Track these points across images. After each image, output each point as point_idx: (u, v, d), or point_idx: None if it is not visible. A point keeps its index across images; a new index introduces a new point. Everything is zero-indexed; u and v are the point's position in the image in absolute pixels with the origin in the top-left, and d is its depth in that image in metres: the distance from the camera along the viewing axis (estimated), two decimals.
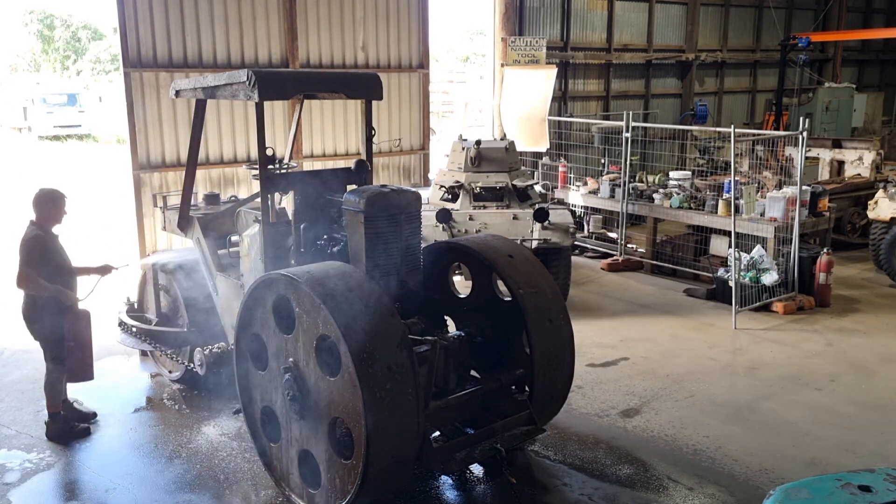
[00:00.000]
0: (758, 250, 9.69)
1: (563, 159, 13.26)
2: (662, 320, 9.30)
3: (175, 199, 7.52)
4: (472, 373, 5.96)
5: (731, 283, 9.27)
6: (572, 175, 12.85)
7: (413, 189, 5.84)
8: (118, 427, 6.69)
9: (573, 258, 10.41)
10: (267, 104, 6.15)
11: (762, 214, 10.08)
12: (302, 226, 5.99)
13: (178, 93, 6.89)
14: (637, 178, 12.06)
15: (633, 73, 16.06)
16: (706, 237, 10.80)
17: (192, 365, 6.91)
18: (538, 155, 13.49)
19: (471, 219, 9.20)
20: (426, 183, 11.94)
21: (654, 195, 11.31)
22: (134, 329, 7.41)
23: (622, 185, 11.46)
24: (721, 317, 9.33)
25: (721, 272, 9.90)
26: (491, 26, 13.56)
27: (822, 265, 9.63)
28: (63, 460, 6.08)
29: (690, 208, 10.87)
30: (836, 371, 7.78)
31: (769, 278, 9.47)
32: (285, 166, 6.73)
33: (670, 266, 11.14)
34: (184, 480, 5.79)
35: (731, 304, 9.18)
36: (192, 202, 7.27)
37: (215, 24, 10.17)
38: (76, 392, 7.33)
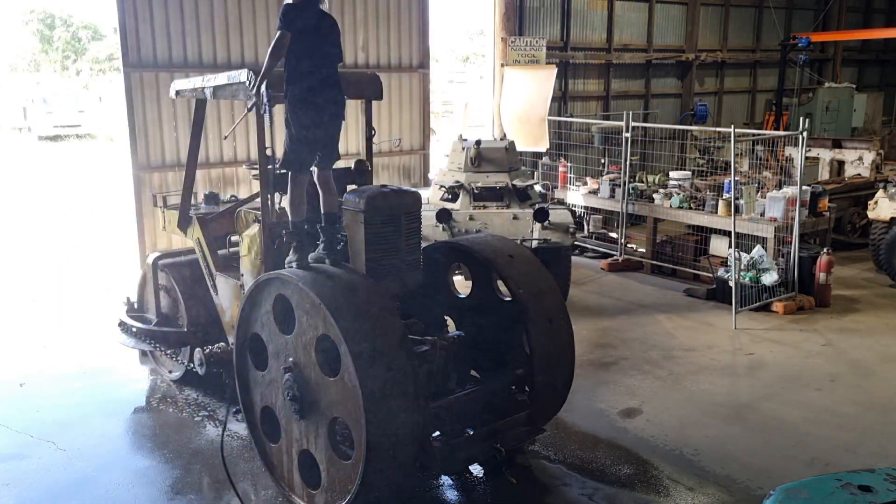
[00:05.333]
0: (758, 250, 9.69)
1: (563, 159, 13.26)
2: (662, 320, 9.29)
3: (175, 199, 7.52)
4: (472, 373, 5.97)
5: (731, 283, 9.27)
6: (572, 175, 12.85)
7: (413, 189, 5.85)
8: (118, 426, 6.70)
9: (573, 258, 10.40)
10: None
11: (762, 214, 10.08)
12: None
13: (178, 93, 6.89)
14: (637, 178, 12.06)
15: (633, 73, 16.06)
16: (706, 237, 10.79)
17: (192, 365, 6.91)
18: (538, 155, 13.48)
19: (471, 219, 9.20)
20: (426, 183, 11.94)
21: (654, 195, 11.30)
22: (134, 329, 7.40)
23: (622, 185, 11.45)
24: (721, 317, 9.33)
25: (721, 272, 9.90)
26: (491, 26, 13.55)
27: (822, 265, 9.62)
28: (62, 460, 6.08)
29: (690, 208, 10.86)
30: (836, 371, 7.77)
31: (769, 278, 9.46)
32: None
33: (670, 266, 11.14)
34: (184, 480, 5.79)
35: (731, 304, 9.17)
36: (192, 202, 7.27)
37: (215, 24, 10.16)
38: (75, 390, 7.34)
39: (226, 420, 6.04)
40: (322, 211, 5.63)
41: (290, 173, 5.53)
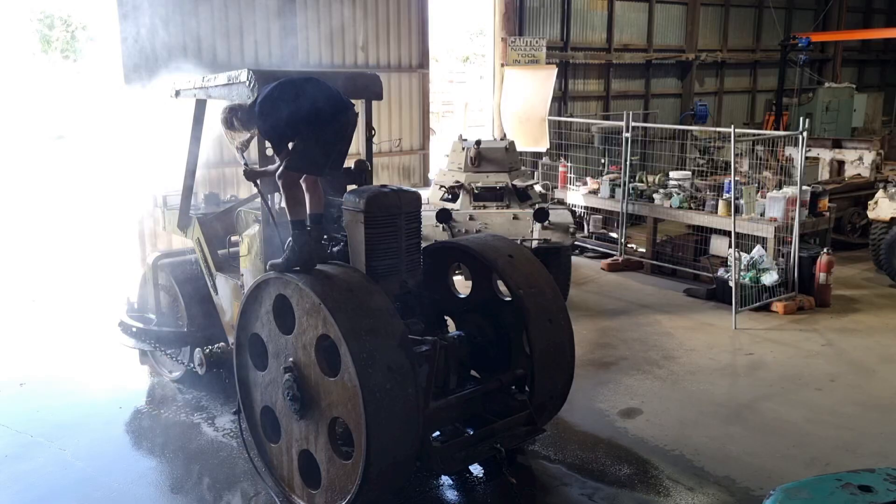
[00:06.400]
0: (758, 250, 9.69)
1: (563, 159, 13.27)
2: (662, 320, 9.29)
3: (175, 199, 7.52)
4: (472, 373, 5.96)
5: (731, 283, 9.27)
6: (572, 175, 12.85)
7: (413, 189, 5.84)
8: (118, 427, 6.69)
9: (573, 258, 10.41)
10: None
11: (762, 214, 10.07)
12: None
13: (178, 93, 6.89)
14: (637, 178, 12.06)
15: (633, 73, 16.07)
16: (706, 237, 10.79)
17: (192, 365, 6.91)
18: (538, 155, 13.48)
19: (471, 219, 9.20)
20: (426, 183, 11.94)
21: (654, 195, 11.30)
22: (134, 329, 7.40)
23: (622, 185, 11.45)
24: (721, 317, 9.33)
25: (721, 272, 9.90)
26: (491, 26, 13.57)
27: (822, 265, 9.62)
28: (62, 460, 6.08)
29: (690, 208, 10.86)
30: (836, 371, 7.77)
31: (769, 278, 9.46)
32: None
33: (670, 266, 11.13)
34: (184, 480, 5.79)
35: (731, 304, 9.17)
36: (192, 202, 7.27)
37: (215, 24, 10.17)
38: (75, 390, 7.34)
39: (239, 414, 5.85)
40: (308, 212, 5.58)
41: (281, 178, 5.36)
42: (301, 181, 5.49)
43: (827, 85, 18.94)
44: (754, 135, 12.51)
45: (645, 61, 16.03)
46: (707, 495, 5.51)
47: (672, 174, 11.99)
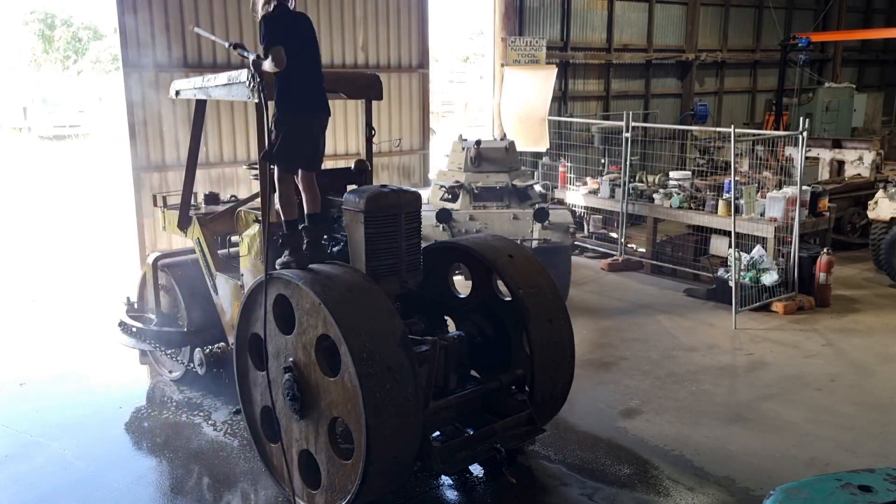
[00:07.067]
0: (758, 250, 9.69)
1: (563, 159, 13.26)
2: (662, 320, 9.29)
3: (175, 199, 7.53)
4: (472, 373, 5.96)
5: (731, 283, 9.27)
6: (572, 175, 12.85)
7: (413, 189, 5.85)
8: (118, 427, 6.69)
9: (573, 258, 10.41)
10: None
11: (762, 214, 10.07)
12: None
13: (178, 93, 6.90)
14: (637, 178, 12.06)
15: (633, 73, 16.06)
16: (706, 237, 10.79)
17: (192, 365, 6.91)
18: (538, 155, 13.48)
19: (471, 219, 9.20)
20: (426, 183, 11.94)
21: (654, 195, 11.30)
22: (134, 329, 7.41)
23: (622, 185, 11.45)
24: (721, 317, 9.33)
25: (721, 272, 9.90)
26: (491, 26, 13.55)
27: (822, 265, 9.62)
28: (62, 461, 6.08)
29: (690, 208, 10.86)
30: (836, 371, 7.77)
31: (769, 278, 9.46)
32: None
33: (670, 266, 11.13)
34: (184, 480, 5.79)
35: (731, 304, 9.17)
36: (192, 202, 7.28)
37: (215, 24, 10.16)
38: (75, 391, 7.34)
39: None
40: (305, 212, 5.61)
41: (276, 173, 5.45)
42: (298, 181, 5.54)
43: (827, 85, 18.93)
44: (754, 135, 12.51)
45: (645, 61, 16.02)
46: (707, 495, 5.51)
47: (672, 174, 11.99)
